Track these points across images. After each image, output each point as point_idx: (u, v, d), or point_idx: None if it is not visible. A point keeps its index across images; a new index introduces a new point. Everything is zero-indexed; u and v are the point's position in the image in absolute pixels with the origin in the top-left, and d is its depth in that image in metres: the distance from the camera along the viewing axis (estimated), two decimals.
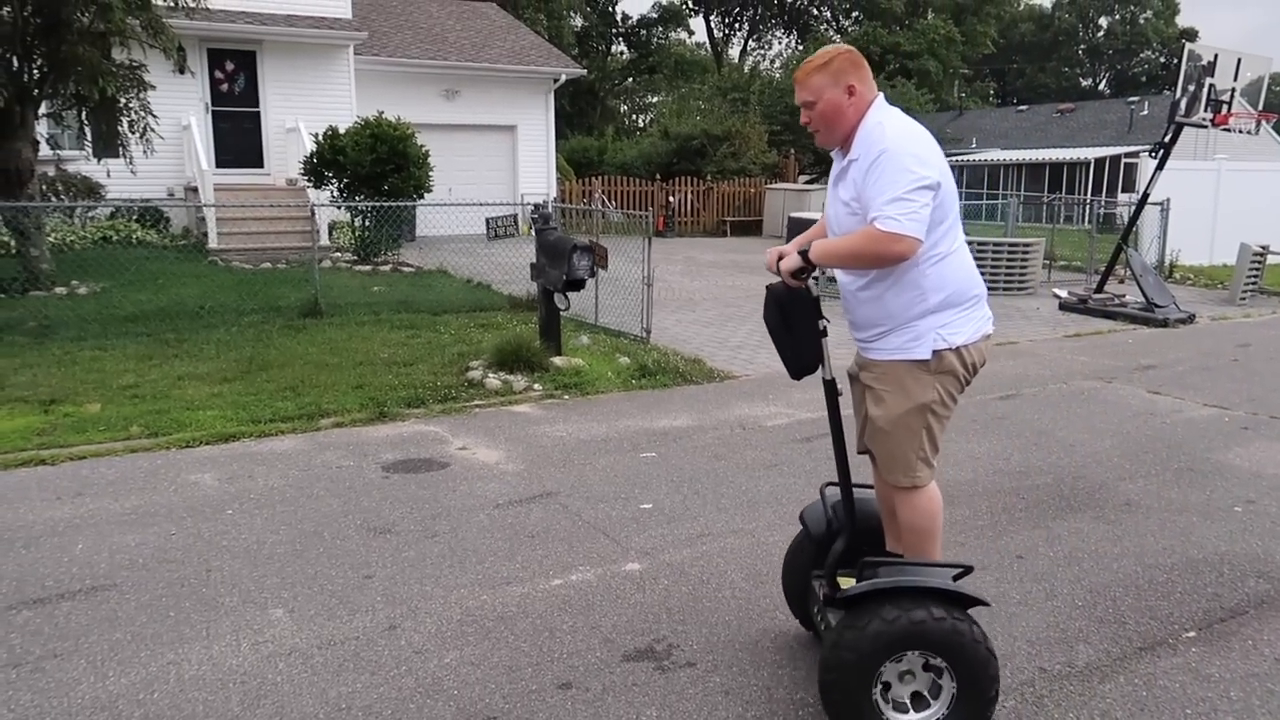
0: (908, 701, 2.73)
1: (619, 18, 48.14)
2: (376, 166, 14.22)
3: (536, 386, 7.31)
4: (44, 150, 11.98)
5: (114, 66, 10.56)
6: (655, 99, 51.94)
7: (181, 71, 11.79)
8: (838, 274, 2.97)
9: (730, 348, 9.18)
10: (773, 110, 29.55)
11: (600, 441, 6.05)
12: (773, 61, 52.93)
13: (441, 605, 3.75)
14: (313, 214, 10.58)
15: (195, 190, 15.19)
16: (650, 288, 9.16)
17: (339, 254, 14.70)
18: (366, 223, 14.53)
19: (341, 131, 14.51)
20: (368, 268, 13.83)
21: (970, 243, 13.83)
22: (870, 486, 3.21)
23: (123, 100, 11.02)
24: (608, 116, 46.12)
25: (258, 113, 17.00)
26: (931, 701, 2.71)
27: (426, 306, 10.56)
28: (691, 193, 24.17)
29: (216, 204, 13.73)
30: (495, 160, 20.88)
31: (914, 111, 30.90)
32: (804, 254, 2.74)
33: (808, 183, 27.67)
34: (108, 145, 12.05)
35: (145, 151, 11.69)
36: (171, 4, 11.02)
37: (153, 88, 11.37)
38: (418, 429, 6.27)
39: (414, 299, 11.03)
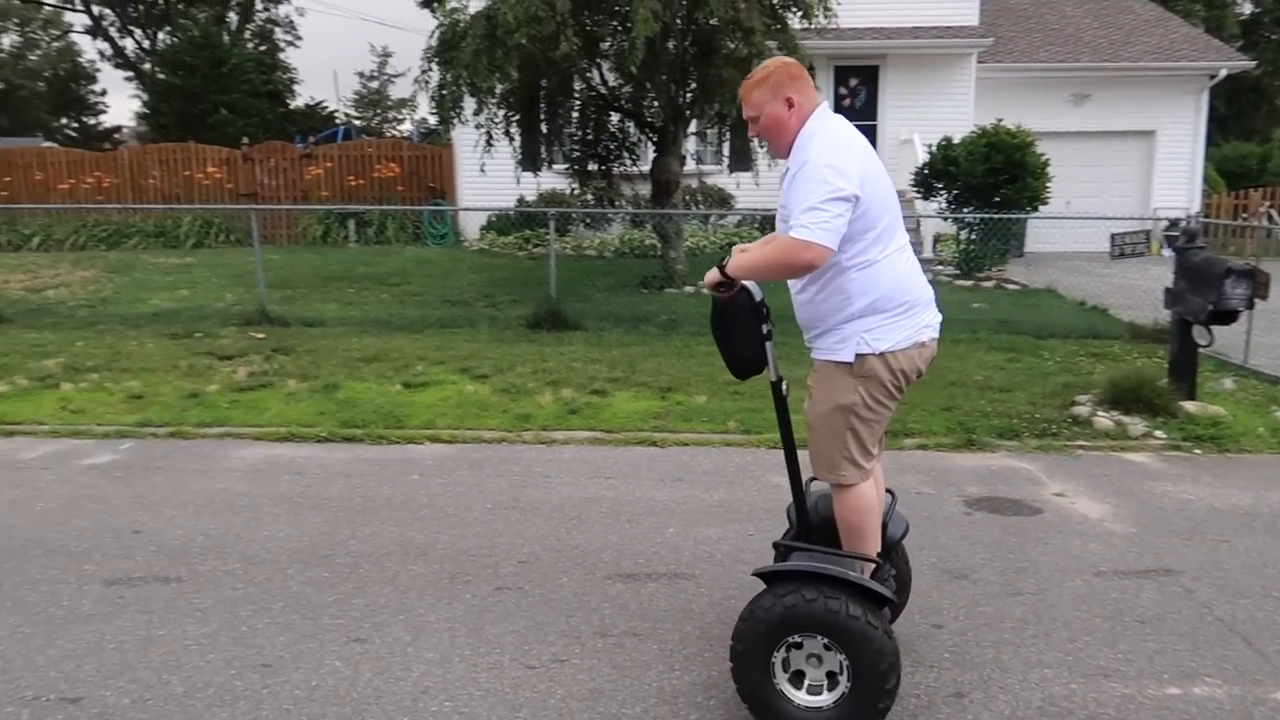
0: (808, 682, 2.80)
1: None
2: (989, 177, 13.65)
3: (1159, 433, 6.18)
4: (689, 165, 13.59)
5: None
6: None
7: None
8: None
9: None
10: None
11: (1243, 514, 4.85)
12: None
13: (1019, 682, 3.21)
14: (918, 226, 10.41)
15: None
16: None
17: (940, 266, 14.39)
18: (972, 236, 14.00)
19: (955, 141, 14.17)
20: (969, 283, 13.31)
21: None
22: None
23: None
24: (1276, 118, 38.84)
25: (874, 125, 17.40)
26: (828, 688, 2.77)
27: (1030, 328, 9.71)
28: None
29: None
30: (1125, 170, 18.76)
31: None
32: (721, 268, 2.87)
33: None
34: (739, 160, 13.25)
35: (769, 165, 12.59)
36: (806, 25, 11.64)
37: None
38: (1008, 464, 5.66)
39: (1016, 319, 10.24)
